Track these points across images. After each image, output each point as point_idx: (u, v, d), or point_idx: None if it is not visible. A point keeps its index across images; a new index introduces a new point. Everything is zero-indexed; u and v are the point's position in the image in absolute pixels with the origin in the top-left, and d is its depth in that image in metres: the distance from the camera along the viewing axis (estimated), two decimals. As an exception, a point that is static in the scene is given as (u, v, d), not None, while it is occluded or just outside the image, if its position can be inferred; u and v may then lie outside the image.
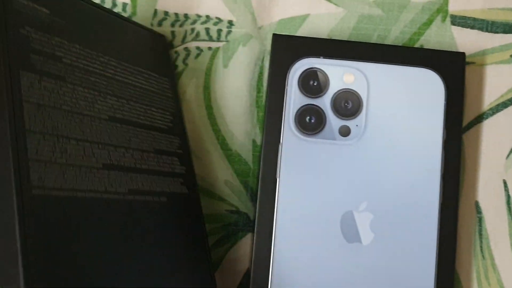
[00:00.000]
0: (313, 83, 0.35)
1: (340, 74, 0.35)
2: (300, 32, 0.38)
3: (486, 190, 0.37)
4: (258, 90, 0.38)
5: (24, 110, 0.26)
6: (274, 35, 0.35)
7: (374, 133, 0.35)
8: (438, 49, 0.37)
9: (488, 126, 0.38)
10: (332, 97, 0.35)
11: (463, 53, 0.36)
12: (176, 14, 0.39)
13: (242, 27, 0.38)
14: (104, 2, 0.38)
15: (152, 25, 0.39)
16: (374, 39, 0.38)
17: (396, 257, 0.34)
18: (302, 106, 0.35)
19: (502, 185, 0.38)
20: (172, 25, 0.39)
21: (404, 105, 0.35)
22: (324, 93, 0.35)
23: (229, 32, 0.39)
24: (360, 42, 0.36)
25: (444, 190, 0.34)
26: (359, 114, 0.35)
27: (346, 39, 0.38)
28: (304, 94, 0.35)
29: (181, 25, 0.39)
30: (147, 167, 0.31)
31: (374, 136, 0.35)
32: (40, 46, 0.28)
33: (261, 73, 0.38)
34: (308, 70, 0.35)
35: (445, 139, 0.35)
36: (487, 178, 0.38)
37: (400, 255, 0.34)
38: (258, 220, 0.34)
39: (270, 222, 0.34)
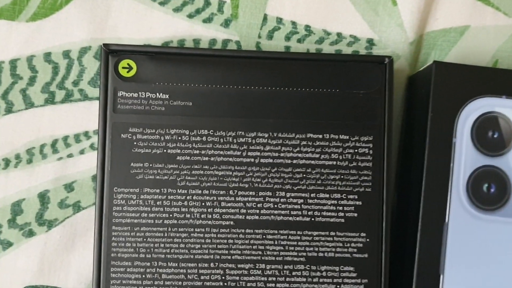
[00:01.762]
0: (492, 135, 0.27)
1: (532, 122, 0.27)
2: (456, 50, 0.31)
3: None
4: (404, 131, 0.31)
5: (112, 235, 0.26)
6: (436, 63, 0.27)
7: None
8: None
9: None
10: (520, 156, 0.27)
11: None
12: (294, 23, 0.31)
13: (386, 47, 0.31)
14: (193, 1, 0.31)
15: (259, 36, 0.31)
16: (556, 63, 0.31)
17: None
18: (477, 169, 0.27)
19: None
20: (287, 38, 0.31)
21: None
22: (509, 150, 0.27)
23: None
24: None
25: None
26: (559, 181, 0.27)
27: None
28: (480, 150, 0.27)
29: (300, 41, 0.31)
30: (286, 285, 0.27)
31: None
32: (148, 148, 0.27)
33: (403, 107, 0.31)
34: (485, 115, 0.27)
35: None
36: None
37: None
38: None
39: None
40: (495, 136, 0.27)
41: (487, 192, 0.27)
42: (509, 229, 0.27)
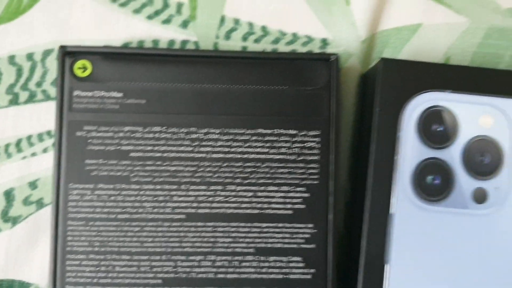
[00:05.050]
0: (437, 128, 0.27)
1: (475, 116, 0.27)
2: (409, 48, 0.31)
3: None
4: (356, 126, 0.31)
5: (68, 230, 0.27)
6: (383, 60, 0.27)
7: (520, 199, 0.27)
8: None
9: None
10: (464, 148, 0.27)
11: None
12: (251, 25, 0.31)
13: (339, 46, 0.31)
14: (152, 3, 0.31)
15: (217, 37, 0.31)
16: (505, 61, 0.31)
17: None
18: (422, 161, 0.27)
19: None
20: (244, 39, 0.31)
21: (559, 156, 0.27)
22: (453, 143, 0.27)
23: (321, 54, 0.31)
24: (504, 70, 0.28)
25: None
26: (499, 172, 0.27)
27: (469, 60, 0.31)
28: (424, 143, 0.27)
29: (257, 41, 0.31)
30: (236, 276, 0.27)
31: (521, 204, 0.27)
32: (102, 146, 0.27)
33: (355, 104, 0.31)
34: (430, 109, 0.27)
35: None
36: None
37: None
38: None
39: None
40: (440, 129, 0.27)
41: (432, 184, 0.27)
42: (453, 219, 0.26)
